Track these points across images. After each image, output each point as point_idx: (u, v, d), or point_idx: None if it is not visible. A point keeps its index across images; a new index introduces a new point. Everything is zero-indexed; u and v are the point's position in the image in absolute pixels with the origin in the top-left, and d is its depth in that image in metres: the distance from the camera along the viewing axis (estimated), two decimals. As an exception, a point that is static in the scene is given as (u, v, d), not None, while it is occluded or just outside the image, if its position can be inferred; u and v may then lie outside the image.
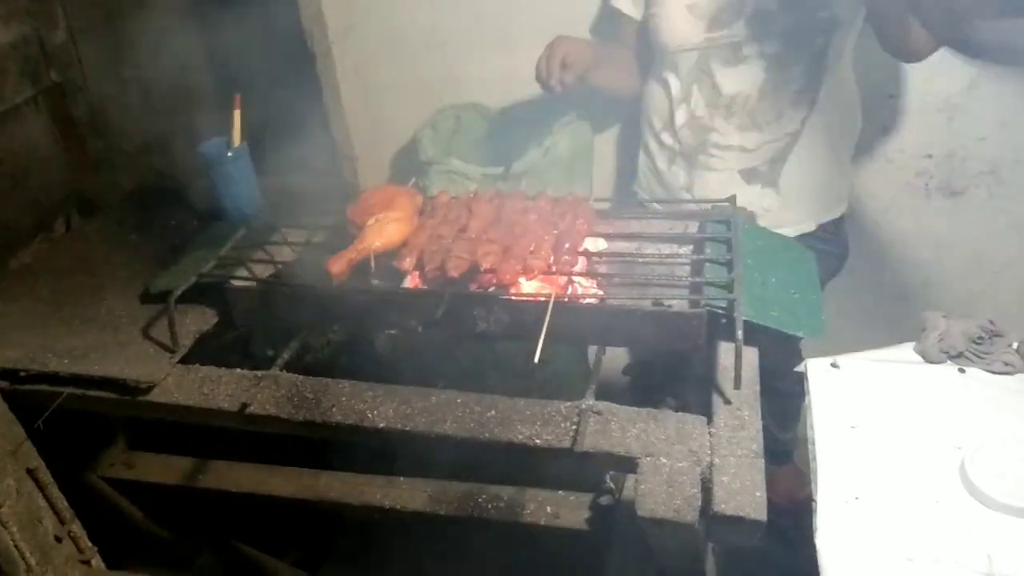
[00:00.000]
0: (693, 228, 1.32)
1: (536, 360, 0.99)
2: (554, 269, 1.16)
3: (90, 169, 1.86)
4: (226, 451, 1.57)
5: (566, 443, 0.99)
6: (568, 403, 1.05)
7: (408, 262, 1.22)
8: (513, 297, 1.13)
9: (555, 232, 1.24)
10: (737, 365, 1.01)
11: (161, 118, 2.09)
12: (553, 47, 1.63)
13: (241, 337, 1.27)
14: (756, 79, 1.61)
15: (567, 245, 1.20)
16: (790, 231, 1.65)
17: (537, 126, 2.03)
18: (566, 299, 1.11)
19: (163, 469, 1.61)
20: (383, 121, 2.32)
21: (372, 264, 1.23)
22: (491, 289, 1.16)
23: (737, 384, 1.01)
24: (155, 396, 1.17)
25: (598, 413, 1.02)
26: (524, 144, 2.00)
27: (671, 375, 1.33)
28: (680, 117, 1.69)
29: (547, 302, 1.07)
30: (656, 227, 1.32)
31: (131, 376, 1.16)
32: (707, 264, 1.18)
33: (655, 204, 1.69)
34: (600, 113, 2.04)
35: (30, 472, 1.27)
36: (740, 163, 1.68)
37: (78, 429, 1.45)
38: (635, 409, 1.03)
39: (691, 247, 1.29)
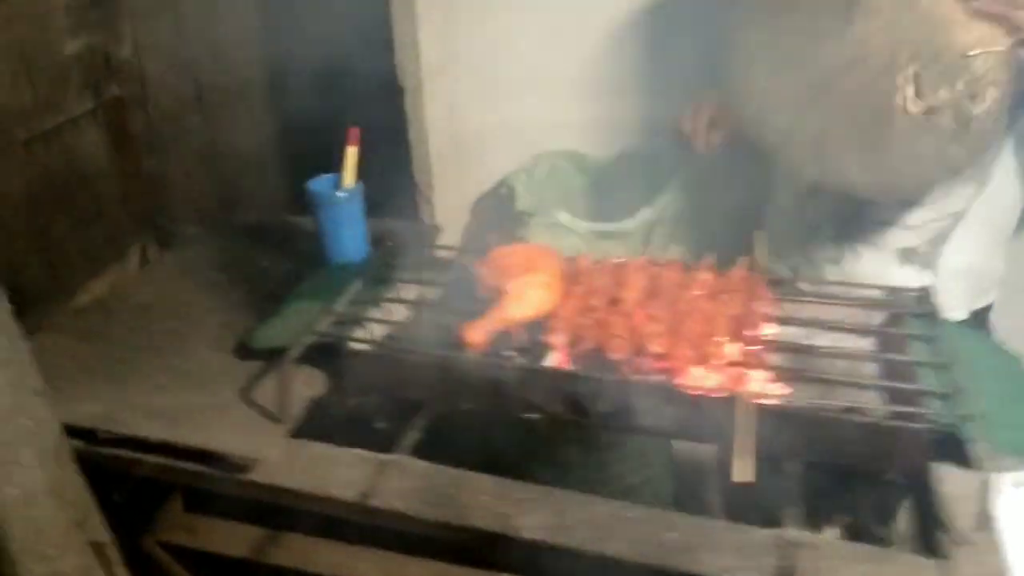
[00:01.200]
0: (877, 318, 1.14)
1: (746, 479, 0.81)
2: (739, 359, 0.99)
3: (161, 193, 1.71)
4: (298, 520, 1.39)
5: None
6: (767, 530, 0.87)
7: (559, 338, 1.05)
8: (695, 391, 0.96)
9: (728, 312, 1.07)
10: (983, 500, 0.83)
11: (229, 142, 1.96)
12: (701, 104, 1.51)
13: (357, 408, 1.10)
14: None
15: (746, 330, 1.03)
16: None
17: (640, 179, 1.88)
18: (763, 399, 0.94)
19: (228, 538, 1.41)
20: (469, 164, 2.17)
21: (514, 335, 1.06)
22: (657, 377, 1.00)
23: (983, 524, 0.83)
24: (259, 475, 1.00)
25: (810, 546, 0.84)
26: (627, 199, 1.85)
27: (828, 487, 1.14)
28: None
29: (747, 401, 0.90)
30: (831, 313, 1.15)
31: (234, 450, 0.99)
32: (911, 367, 1.01)
33: (830, 286, 1.48)
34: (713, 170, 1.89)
35: (96, 548, 1.09)
36: (899, 241, 1.51)
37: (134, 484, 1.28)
38: (852, 544, 0.85)
39: (874, 340, 1.12)
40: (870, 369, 1.06)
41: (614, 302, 1.11)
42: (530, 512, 0.92)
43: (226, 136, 1.96)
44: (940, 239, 1.51)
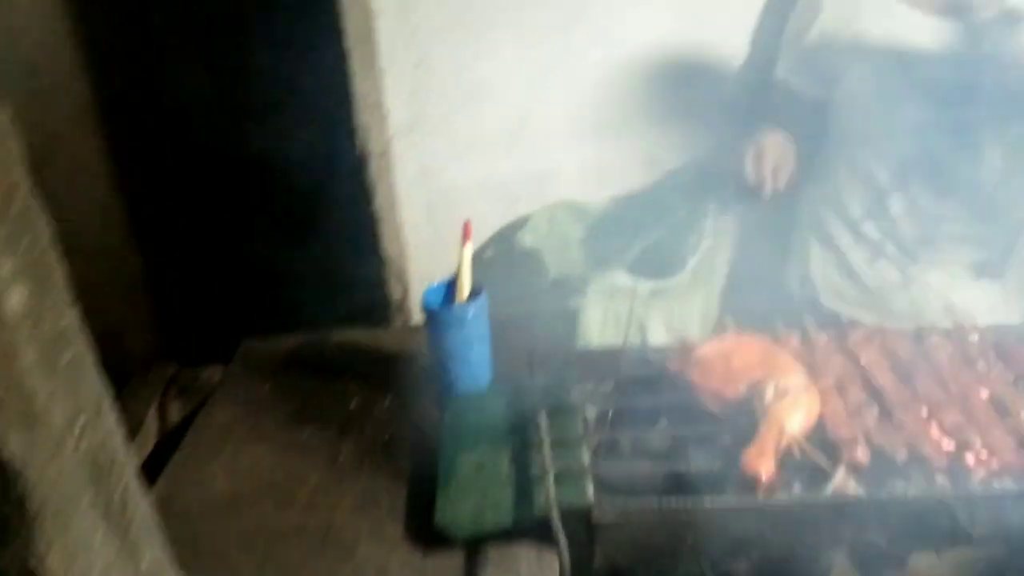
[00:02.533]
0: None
1: None
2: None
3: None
4: None
5: None
6: None
7: (860, 451, 0.87)
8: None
9: (999, 380, 0.95)
10: None
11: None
12: (763, 148, 1.42)
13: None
14: (994, 162, 1.43)
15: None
16: None
17: (648, 222, 1.74)
18: None
19: None
20: (447, 228, 1.92)
21: (797, 456, 0.87)
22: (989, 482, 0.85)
23: None
24: None
25: None
26: (655, 247, 1.70)
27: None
28: (896, 205, 1.47)
29: None
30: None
31: None
32: None
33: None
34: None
35: None
36: (972, 255, 1.48)
37: None
38: None
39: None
40: None
41: (874, 392, 0.95)
42: None
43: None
44: (1010, 248, 1.50)
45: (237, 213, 1.63)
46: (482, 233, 1.87)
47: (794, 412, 0.88)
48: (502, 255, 1.83)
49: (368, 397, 1.12)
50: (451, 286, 1.07)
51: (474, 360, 1.06)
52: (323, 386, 1.16)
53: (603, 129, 1.80)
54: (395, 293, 1.96)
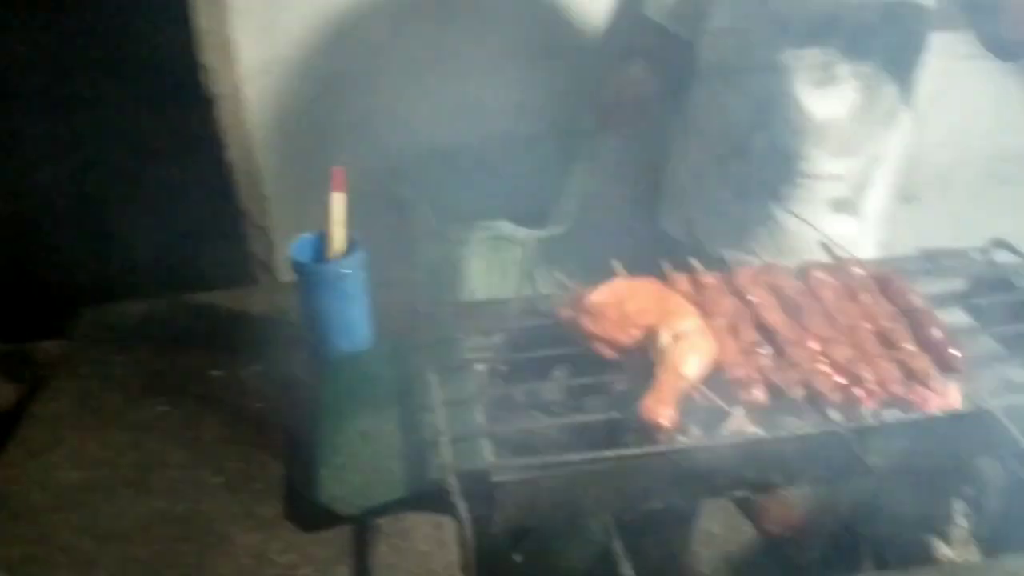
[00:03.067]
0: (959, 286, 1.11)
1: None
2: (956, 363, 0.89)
3: None
4: None
5: None
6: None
7: (757, 392, 0.86)
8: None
9: (889, 314, 0.96)
10: None
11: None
12: (624, 82, 1.44)
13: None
14: (848, 100, 1.46)
15: (934, 332, 0.93)
16: None
17: (517, 167, 1.69)
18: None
19: None
20: (310, 175, 1.79)
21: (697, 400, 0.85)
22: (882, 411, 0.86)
23: None
24: None
25: None
26: (526, 191, 1.65)
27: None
28: (758, 144, 1.49)
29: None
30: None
31: None
32: None
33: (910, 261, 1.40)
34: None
35: None
36: (829, 192, 1.52)
37: None
38: None
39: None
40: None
41: (767, 329, 0.94)
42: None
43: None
44: (866, 184, 1.55)
45: (62, 162, 1.45)
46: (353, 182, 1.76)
47: (690, 356, 0.86)
48: (375, 206, 1.72)
49: (231, 365, 1.01)
50: (323, 240, 0.97)
51: (352, 319, 0.97)
52: (178, 356, 1.04)
53: (472, 69, 1.72)
54: (257, 249, 1.82)
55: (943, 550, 1.01)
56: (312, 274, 0.95)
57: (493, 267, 1.49)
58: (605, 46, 1.61)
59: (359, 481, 0.80)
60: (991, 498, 1.01)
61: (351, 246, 0.97)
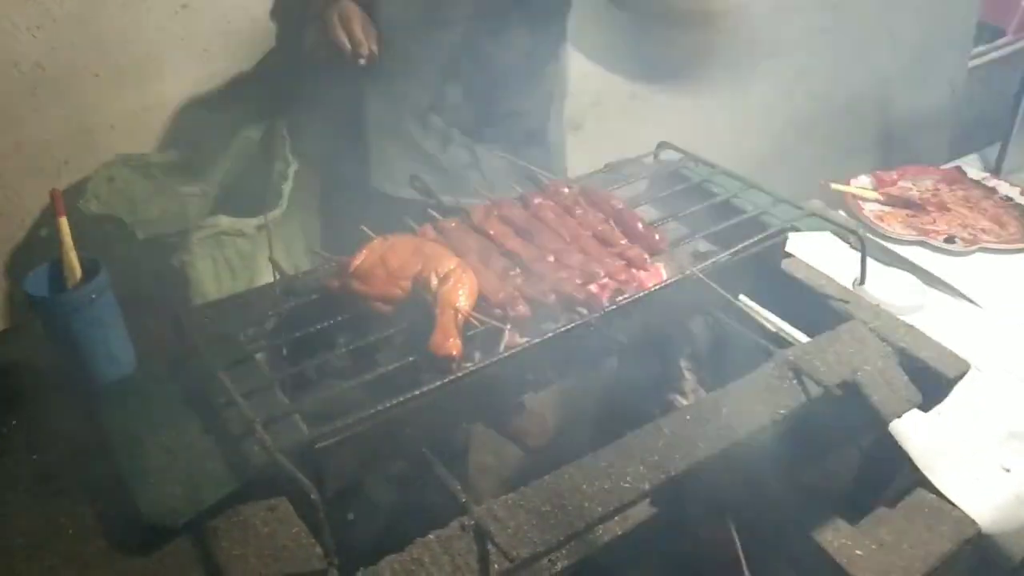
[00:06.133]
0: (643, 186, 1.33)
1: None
2: (663, 248, 1.09)
3: None
4: None
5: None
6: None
7: (520, 308, 0.98)
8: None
9: (604, 220, 1.14)
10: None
11: None
12: (344, 12, 1.40)
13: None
14: (521, 44, 1.63)
15: (638, 226, 1.12)
16: None
17: (218, 157, 1.67)
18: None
19: None
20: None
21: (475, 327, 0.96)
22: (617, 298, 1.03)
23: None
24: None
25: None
26: (241, 183, 1.64)
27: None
28: (452, 94, 1.62)
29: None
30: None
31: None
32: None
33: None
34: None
35: None
36: (522, 126, 1.70)
37: None
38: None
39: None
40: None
41: (509, 255, 1.06)
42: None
43: None
44: (545, 117, 1.76)
45: None
46: (30, 206, 1.59)
47: (460, 290, 0.95)
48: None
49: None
50: (58, 269, 0.91)
51: (111, 344, 0.93)
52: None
53: (146, 70, 1.63)
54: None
55: (680, 400, 1.23)
56: (55, 307, 0.89)
57: (221, 265, 1.46)
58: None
59: (179, 492, 0.80)
60: (704, 350, 1.25)
61: (90, 269, 0.92)
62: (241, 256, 1.48)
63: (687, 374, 1.26)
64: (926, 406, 1.01)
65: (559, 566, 0.86)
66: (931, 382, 1.00)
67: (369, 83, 1.57)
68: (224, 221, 1.46)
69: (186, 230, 1.45)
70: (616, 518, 0.88)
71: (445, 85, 1.56)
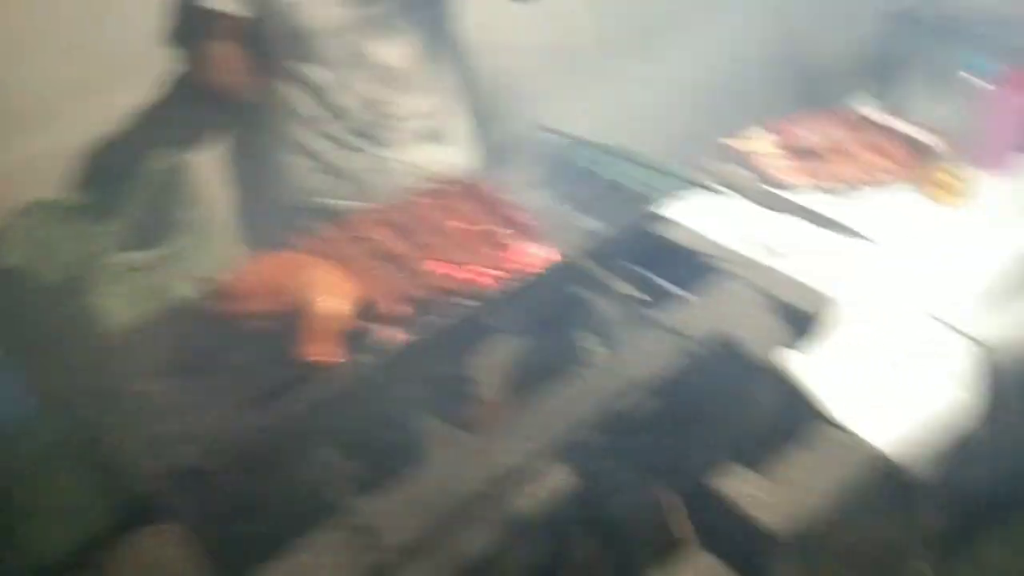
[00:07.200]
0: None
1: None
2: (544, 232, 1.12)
3: None
4: None
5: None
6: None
7: (403, 308, 1.00)
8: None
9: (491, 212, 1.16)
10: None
11: None
12: (218, 54, 1.49)
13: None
14: (413, 45, 1.66)
15: (519, 214, 1.14)
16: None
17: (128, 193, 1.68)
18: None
19: None
20: None
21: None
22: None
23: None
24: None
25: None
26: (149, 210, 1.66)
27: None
28: (349, 102, 1.64)
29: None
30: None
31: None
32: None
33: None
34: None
35: None
36: (423, 128, 1.73)
37: None
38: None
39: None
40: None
41: (394, 258, 1.09)
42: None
43: None
44: (449, 113, 1.79)
45: None
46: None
47: (330, 296, 0.97)
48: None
49: None
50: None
51: (-2, 393, 0.94)
52: None
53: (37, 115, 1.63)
54: None
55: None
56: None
57: (134, 299, 1.47)
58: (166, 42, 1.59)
59: (57, 533, 0.81)
60: (607, 323, 1.27)
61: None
62: (152, 290, 1.49)
63: (597, 348, 1.29)
64: (799, 344, 1.05)
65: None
66: (799, 320, 1.04)
67: (266, 97, 1.61)
68: (135, 256, 1.47)
69: (97, 269, 1.45)
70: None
71: (335, 92, 1.61)
